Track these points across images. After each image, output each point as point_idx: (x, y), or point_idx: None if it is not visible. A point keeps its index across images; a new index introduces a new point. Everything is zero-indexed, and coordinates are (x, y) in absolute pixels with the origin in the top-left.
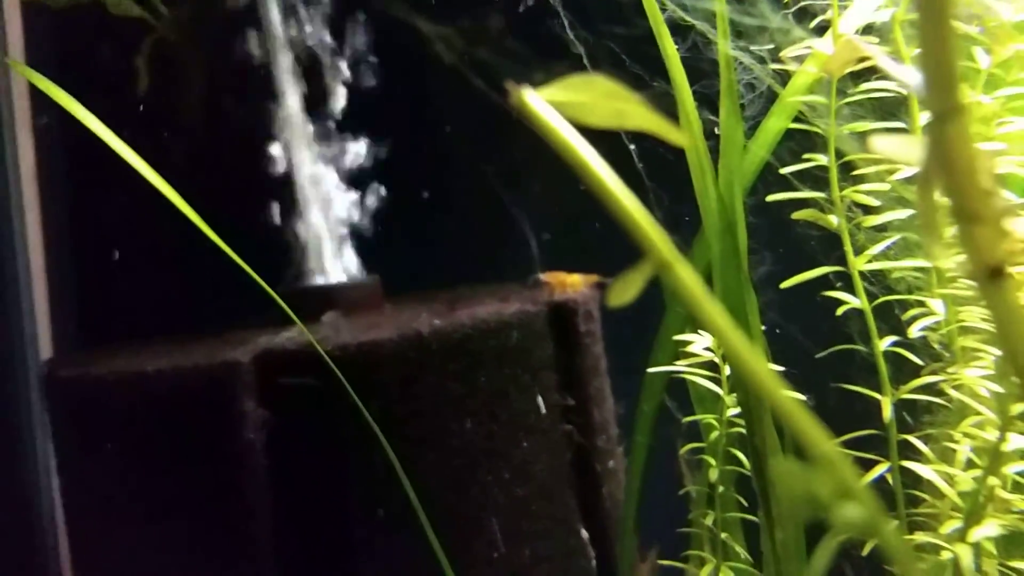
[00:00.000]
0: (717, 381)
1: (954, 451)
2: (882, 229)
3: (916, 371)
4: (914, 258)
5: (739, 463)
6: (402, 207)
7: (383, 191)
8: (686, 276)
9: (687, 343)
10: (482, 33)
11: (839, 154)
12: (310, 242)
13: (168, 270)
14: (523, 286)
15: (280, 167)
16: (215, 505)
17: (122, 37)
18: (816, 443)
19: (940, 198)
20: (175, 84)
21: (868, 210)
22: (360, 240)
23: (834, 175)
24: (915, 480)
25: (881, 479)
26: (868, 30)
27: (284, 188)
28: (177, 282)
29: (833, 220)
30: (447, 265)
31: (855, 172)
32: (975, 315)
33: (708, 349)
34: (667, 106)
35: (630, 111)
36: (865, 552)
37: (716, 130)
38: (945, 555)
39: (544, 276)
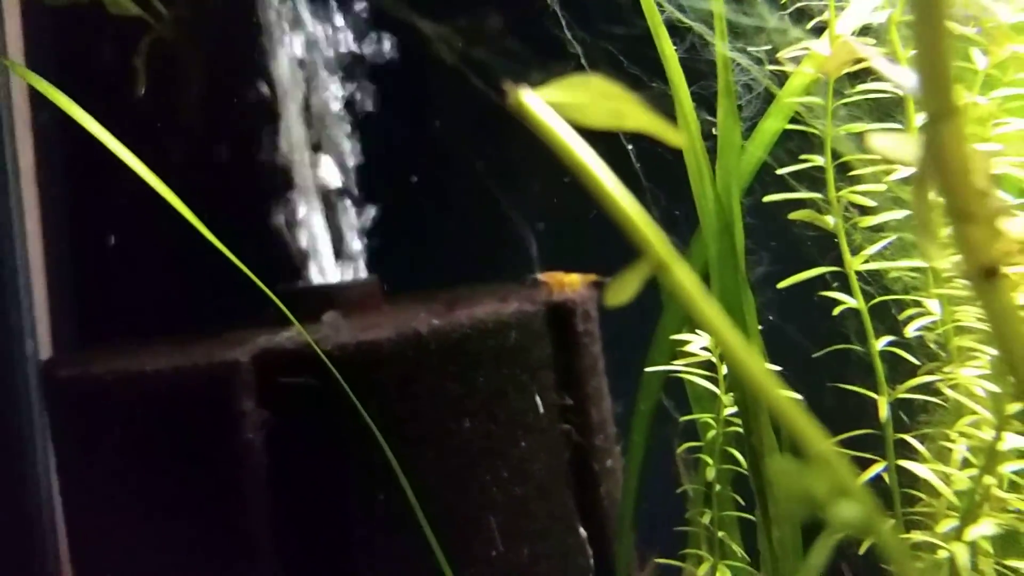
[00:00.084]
0: (714, 380)
1: (950, 450)
2: (879, 229)
3: (912, 371)
4: (910, 258)
5: (736, 462)
6: (400, 207)
7: (381, 191)
8: (684, 276)
9: (684, 343)
10: (480, 33)
11: (836, 155)
12: (308, 242)
13: (167, 269)
14: (521, 286)
15: (278, 166)
16: (214, 505)
17: (122, 37)
18: (813, 442)
19: (935, 198)
20: (174, 83)
21: (864, 210)
22: (358, 240)
23: (830, 176)
24: (912, 479)
25: (878, 478)
26: (865, 31)
27: (282, 187)
28: (176, 281)
29: (830, 220)
30: (446, 265)
31: (852, 173)
32: (971, 315)
33: (705, 349)
34: (665, 107)
35: (628, 112)
36: (862, 551)
37: (714, 131)
38: (941, 554)
39: (542, 276)
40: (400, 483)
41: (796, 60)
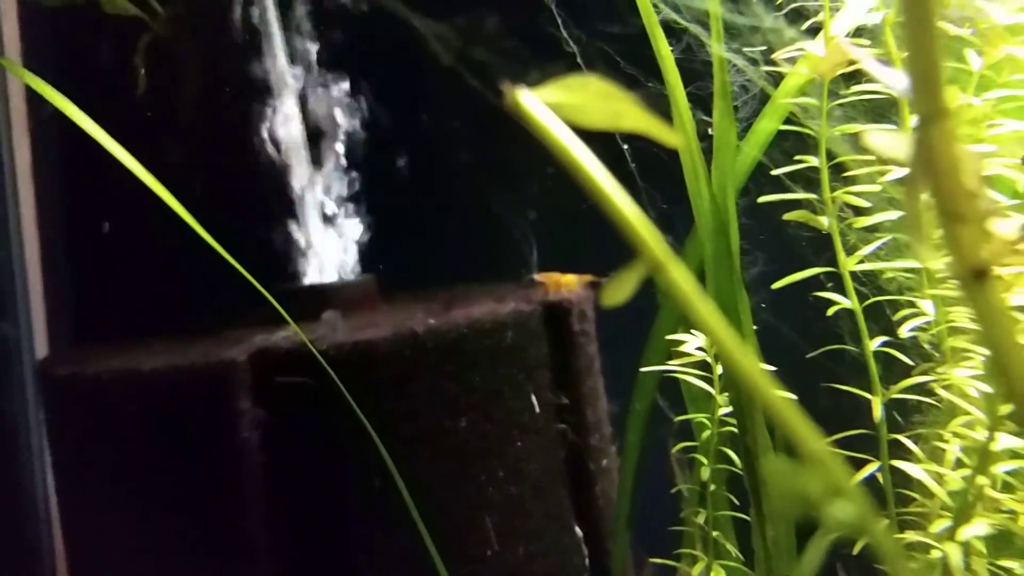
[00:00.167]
0: (709, 380)
1: (944, 450)
2: (873, 230)
3: (906, 371)
4: (904, 259)
5: (731, 462)
6: (398, 206)
7: (379, 190)
8: (680, 276)
9: (680, 343)
10: (477, 32)
11: (831, 155)
12: (306, 241)
13: (164, 268)
14: (518, 286)
15: (275, 165)
16: (211, 504)
17: (120, 36)
18: (807, 442)
19: (927, 199)
20: (171, 82)
21: (859, 211)
22: (356, 239)
23: (825, 176)
24: (905, 479)
25: (871, 478)
26: (861, 32)
27: (279, 186)
28: (173, 280)
29: (824, 221)
30: (442, 264)
31: (847, 174)
32: (964, 316)
33: (700, 349)
34: (662, 107)
35: (625, 112)
36: (856, 551)
37: (710, 131)
38: (935, 554)
39: (539, 276)
40: (396, 482)
41: (791, 61)
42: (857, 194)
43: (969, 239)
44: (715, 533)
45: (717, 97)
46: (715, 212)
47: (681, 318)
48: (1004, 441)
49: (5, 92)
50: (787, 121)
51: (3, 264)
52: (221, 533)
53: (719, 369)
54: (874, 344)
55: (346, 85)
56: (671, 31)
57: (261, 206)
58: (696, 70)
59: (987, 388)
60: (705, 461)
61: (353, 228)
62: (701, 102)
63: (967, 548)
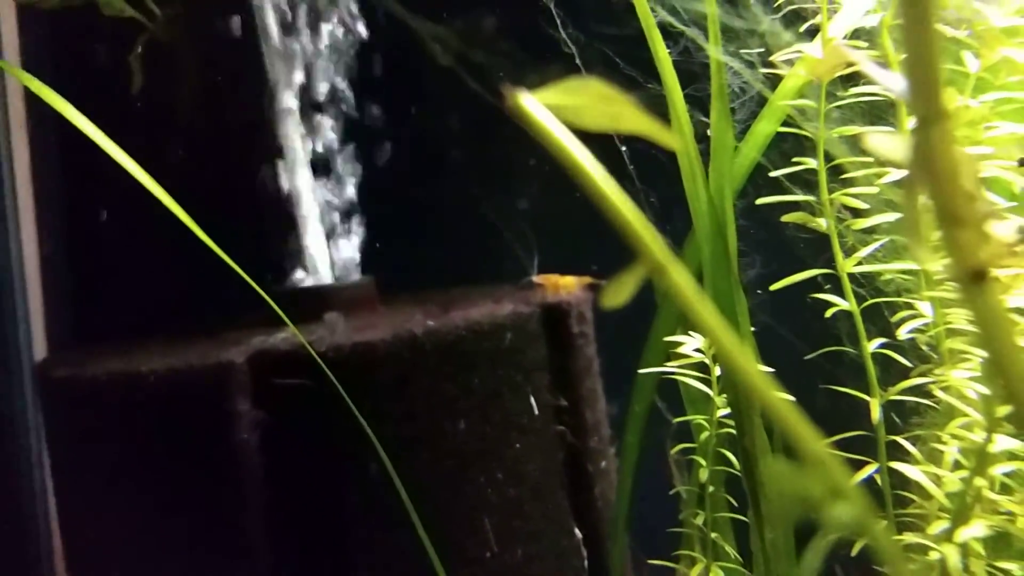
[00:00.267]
0: (707, 382)
1: (942, 452)
2: (871, 232)
3: (904, 373)
4: (902, 261)
5: (729, 463)
6: (396, 208)
7: (377, 192)
8: (679, 278)
9: (678, 344)
10: (476, 34)
11: (828, 157)
12: (304, 242)
13: (163, 270)
14: (517, 288)
15: (275, 167)
16: (209, 505)
17: (119, 37)
18: (807, 443)
19: (925, 201)
20: (170, 83)
21: (857, 213)
22: (355, 241)
23: (823, 178)
24: (903, 481)
25: (869, 480)
26: (858, 35)
27: (278, 187)
28: (172, 281)
29: (822, 223)
30: (441, 266)
31: (844, 175)
32: (962, 317)
33: (699, 350)
34: (661, 109)
35: (625, 114)
36: (854, 552)
37: (709, 132)
38: (933, 555)
39: (537, 278)
40: (395, 484)
41: (789, 63)
42: (855, 196)
43: (968, 241)
44: (714, 535)
45: (715, 99)
46: (713, 214)
47: (679, 320)
48: (1002, 443)
49: (4, 93)
50: (785, 123)
51: (2, 265)
52: (220, 535)
53: (717, 371)
54: (872, 346)
55: (345, 86)
56: (669, 34)
57: (260, 207)
58: (694, 72)
59: (985, 390)
60: (704, 463)
61: (352, 230)
62: (699, 104)
63: (965, 550)
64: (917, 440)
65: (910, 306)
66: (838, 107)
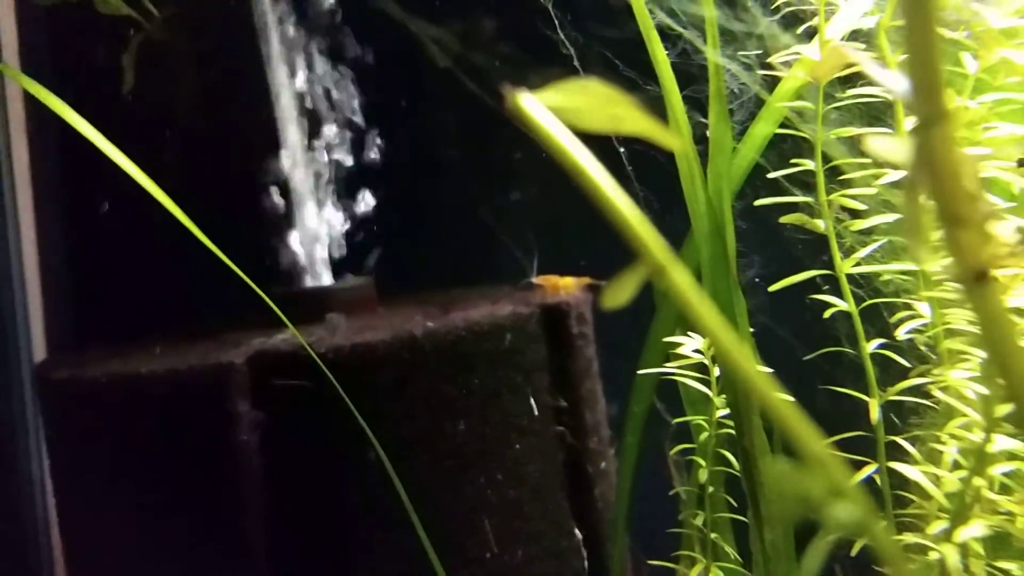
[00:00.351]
0: (707, 383)
1: (941, 452)
2: (869, 233)
3: (903, 373)
4: (901, 261)
5: (729, 464)
6: (396, 209)
7: (377, 193)
8: (680, 279)
9: (677, 345)
10: (475, 36)
11: (827, 159)
12: (304, 243)
13: (162, 271)
14: (516, 288)
15: (274, 167)
16: (209, 507)
17: (120, 38)
18: (807, 443)
19: (926, 202)
20: (168, 83)
21: (855, 214)
22: (354, 242)
23: (821, 179)
24: (903, 481)
25: (869, 480)
26: (856, 36)
27: (277, 188)
28: (172, 283)
29: (821, 224)
30: (441, 267)
31: (842, 176)
32: (961, 318)
33: (698, 351)
34: (660, 110)
35: (626, 116)
36: (854, 552)
37: (707, 133)
38: (932, 555)
39: (537, 279)
40: (394, 485)
41: (787, 65)
42: (853, 197)
43: (970, 242)
44: (713, 535)
45: (713, 101)
46: (711, 215)
47: (679, 320)
48: (1001, 443)
49: (3, 95)
50: (783, 125)
51: (2, 266)
52: (220, 536)
53: (716, 371)
54: (871, 346)
55: (343, 87)
56: (667, 36)
57: (259, 209)
58: (692, 74)
59: (984, 390)
60: (703, 463)
61: (351, 231)
62: (698, 106)
63: (964, 549)
64: (916, 440)
65: (909, 307)
66: (836, 109)
